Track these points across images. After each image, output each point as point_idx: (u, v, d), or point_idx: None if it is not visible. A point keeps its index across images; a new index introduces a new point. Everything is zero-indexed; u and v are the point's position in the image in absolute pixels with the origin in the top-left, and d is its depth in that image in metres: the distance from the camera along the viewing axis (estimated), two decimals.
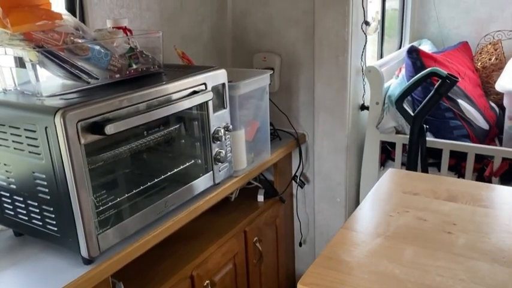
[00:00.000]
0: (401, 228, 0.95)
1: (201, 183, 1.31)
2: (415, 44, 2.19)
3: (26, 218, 1.06)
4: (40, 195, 0.99)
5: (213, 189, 1.37)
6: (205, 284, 1.43)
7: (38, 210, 1.02)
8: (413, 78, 1.69)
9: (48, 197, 0.98)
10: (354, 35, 1.70)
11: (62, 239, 1.00)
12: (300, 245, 2.08)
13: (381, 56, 2.29)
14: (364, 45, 1.80)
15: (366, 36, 1.80)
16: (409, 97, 1.84)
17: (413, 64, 1.87)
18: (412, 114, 1.69)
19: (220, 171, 1.36)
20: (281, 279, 1.95)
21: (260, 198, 1.79)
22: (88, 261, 0.99)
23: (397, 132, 1.85)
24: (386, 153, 1.96)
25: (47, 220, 1.01)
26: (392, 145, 1.89)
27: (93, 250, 0.97)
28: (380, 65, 1.88)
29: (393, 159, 1.89)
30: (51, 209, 0.99)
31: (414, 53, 1.87)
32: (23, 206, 1.05)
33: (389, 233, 0.94)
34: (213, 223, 1.60)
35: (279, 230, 1.88)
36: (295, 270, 2.14)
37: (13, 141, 0.99)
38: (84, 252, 0.97)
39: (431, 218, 0.99)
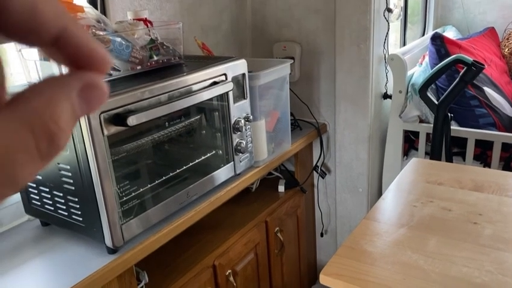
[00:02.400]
0: (426, 218, 0.94)
1: (222, 173, 1.31)
2: (439, 30, 2.13)
3: (52, 209, 1.09)
4: (65, 186, 1.01)
5: (234, 179, 1.37)
6: (227, 274, 1.44)
7: (63, 201, 1.04)
8: (437, 66, 1.65)
9: (73, 188, 0.99)
10: (376, 23, 1.67)
11: (87, 229, 1.02)
12: (322, 235, 2.07)
13: (404, 44, 2.24)
14: (387, 33, 1.77)
15: (389, 23, 1.76)
16: (433, 85, 1.80)
17: (438, 51, 1.83)
18: (436, 102, 1.65)
19: (241, 161, 1.36)
20: (302, 269, 1.95)
21: (281, 188, 1.79)
22: (112, 251, 1.01)
23: (421, 121, 1.82)
24: (410, 142, 1.93)
25: (72, 210, 1.03)
26: (416, 134, 1.85)
27: (117, 240, 0.99)
28: (403, 53, 1.84)
29: (417, 149, 1.86)
30: (76, 199, 1.00)
31: (438, 40, 1.82)
32: (49, 196, 1.08)
33: (413, 224, 0.92)
34: (234, 213, 1.61)
35: (300, 220, 1.87)
36: (317, 261, 2.14)
37: None
38: (108, 242, 0.99)
39: (456, 208, 0.97)
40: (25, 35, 0.19)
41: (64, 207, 1.05)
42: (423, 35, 2.47)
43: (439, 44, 1.82)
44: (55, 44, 0.20)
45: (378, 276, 0.77)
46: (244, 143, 1.35)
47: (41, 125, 0.16)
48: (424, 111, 1.80)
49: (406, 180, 1.13)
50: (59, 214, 1.07)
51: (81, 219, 1.02)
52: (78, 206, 1.01)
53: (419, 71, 1.90)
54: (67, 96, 0.18)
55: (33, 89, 0.17)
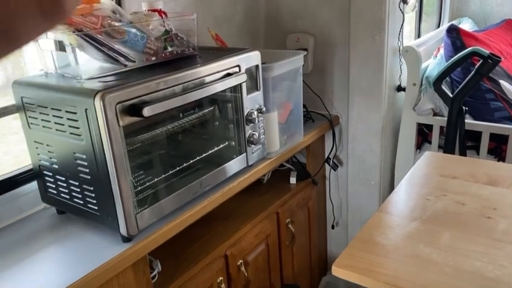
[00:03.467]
0: (439, 212, 0.94)
1: (235, 164, 1.32)
2: (454, 22, 2.10)
3: (68, 197, 1.11)
4: (81, 175, 1.03)
5: (246, 170, 1.38)
6: (238, 264, 1.46)
7: (79, 190, 1.06)
8: (452, 58, 1.63)
9: (89, 177, 1.01)
10: (391, 14, 1.65)
11: (102, 218, 1.04)
12: (333, 227, 2.07)
13: (419, 36, 2.22)
14: (402, 25, 1.75)
15: (404, 14, 1.75)
16: (447, 78, 1.78)
17: (453, 43, 1.80)
18: (451, 95, 1.64)
19: (253, 153, 1.37)
20: (313, 261, 1.96)
21: (292, 180, 1.79)
22: (127, 239, 1.02)
23: (435, 114, 1.80)
24: (423, 135, 1.91)
25: (88, 199, 1.05)
26: (429, 127, 1.84)
27: (131, 228, 1.00)
28: (418, 45, 1.82)
29: (430, 142, 1.84)
30: (92, 188, 1.02)
31: (454, 32, 1.80)
32: (65, 185, 1.10)
33: (426, 217, 0.92)
34: (245, 204, 1.62)
35: (312, 212, 1.88)
36: (327, 253, 2.14)
37: (55, 122, 1.03)
38: (123, 231, 1.00)
39: (470, 202, 0.97)
40: None
41: (80, 196, 1.06)
42: (438, 27, 2.44)
43: (455, 36, 1.80)
44: None
45: (390, 269, 0.77)
46: (256, 134, 1.35)
47: None
48: (438, 104, 1.78)
49: (420, 173, 1.12)
50: (74, 203, 1.09)
51: (96, 208, 1.04)
52: (93, 195, 1.02)
53: (433, 64, 1.88)
54: None
55: None
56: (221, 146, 1.32)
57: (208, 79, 1.14)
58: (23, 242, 1.11)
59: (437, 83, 1.65)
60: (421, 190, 1.03)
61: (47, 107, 1.03)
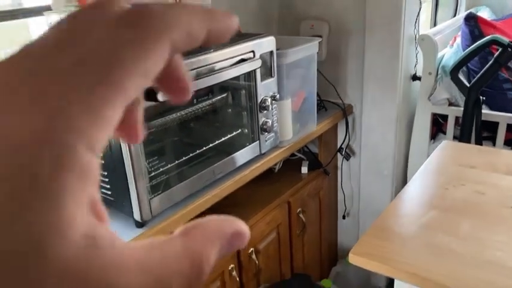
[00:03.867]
0: (458, 201, 0.92)
1: (248, 152, 1.31)
2: (472, 10, 2.06)
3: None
4: None
5: (258, 159, 1.37)
6: (249, 252, 1.45)
7: None
8: (470, 47, 1.60)
9: (103, 162, 1.00)
10: (407, 2, 1.62)
11: (116, 202, 1.03)
12: (344, 217, 2.06)
13: (435, 24, 2.18)
14: (418, 13, 1.72)
15: (420, 2, 1.71)
16: (464, 67, 1.75)
17: (471, 32, 1.77)
18: (468, 85, 1.61)
19: (266, 141, 1.36)
20: (323, 250, 1.95)
21: (304, 170, 1.78)
22: (140, 225, 1.02)
23: (450, 104, 1.77)
24: (438, 126, 1.89)
25: (102, 184, 1.04)
26: (445, 117, 1.81)
27: (145, 214, 1.00)
28: (434, 34, 1.79)
29: (445, 132, 1.82)
30: (106, 173, 1.02)
31: (472, 20, 1.76)
32: None
33: (445, 206, 0.90)
34: (257, 193, 1.61)
35: (323, 202, 1.87)
36: (338, 243, 2.14)
37: None
38: (137, 216, 1.00)
39: (490, 192, 0.95)
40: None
41: None
42: (455, 15, 2.40)
43: (473, 24, 1.76)
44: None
45: (408, 257, 0.76)
46: (270, 122, 1.33)
47: (199, 262, 0.17)
48: (454, 93, 1.75)
49: (437, 162, 1.10)
50: None
51: (110, 193, 1.03)
52: (107, 180, 1.02)
53: (450, 53, 1.85)
54: (220, 240, 0.19)
55: (196, 227, 0.19)
56: (234, 133, 1.31)
57: (222, 65, 1.13)
58: None
59: (454, 72, 1.62)
60: (439, 179, 1.01)
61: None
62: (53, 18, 1.08)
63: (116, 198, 1.03)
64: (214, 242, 0.18)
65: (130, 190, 0.97)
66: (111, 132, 0.16)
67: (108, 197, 1.05)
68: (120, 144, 0.93)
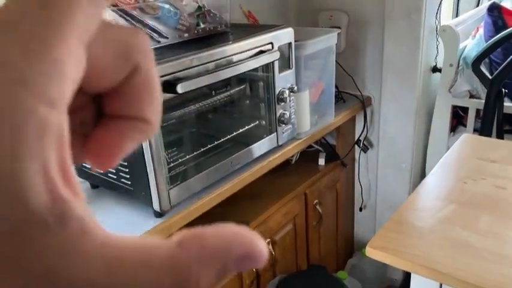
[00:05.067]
0: (477, 195, 0.91)
1: (265, 144, 1.31)
2: (496, 0, 2.01)
3: (102, 172, 1.12)
4: None
5: (276, 150, 1.37)
6: (266, 242, 1.46)
7: None
8: (494, 38, 1.57)
9: None
10: None
11: (136, 193, 1.05)
12: (361, 210, 2.05)
13: (457, 15, 2.13)
14: (440, 3, 1.68)
15: None
16: (486, 59, 1.71)
17: (494, 23, 1.73)
18: (490, 77, 1.58)
19: (283, 133, 1.36)
20: (340, 242, 1.96)
21: (321, 161, 1.77)
22: (159, 215, 1.04)
23: (471, 96, 1.74)
24: (458, 118, 1.86)
25: (122, 174, 1.06)
26: (465, 110, 1.78)
27: (164, 204, 1.01)
28: (456, 24, 1.75)
29: (465, 125, 1.79)
30: (125, 163, 1.03)
31: (496, 11, 1.72)
32: None
33: (464, 200, 0.89)
34: (273, 184, 1.62)
35: (340, 194, 1.86)
36: (354, 235, 2.13)
37: None
38: (156, 206, 1.02)
39: (510, 186, 0.93)
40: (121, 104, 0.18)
41: (114, 170, 1.08)
42: (477, 5, 2.34)
43: (497, 15, 1.72)
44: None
45: (425, 251, 0.76)
46: (287, 114, 1.33)
47: (185, 282, 0.15)
48: (475, 86, 1.72)
49: (456, 156, 1.09)
50: (108, 177, 1.11)
51: (129, 182, 1.05)
52: (127, 170, 1.04)
53: (472, 44, 1.81)
54: (222, 260, 0.16)
55: (198, 235, 0.16)
56: (251, 125, 1.31)
57: (241, 56, 1.13)
58: None
59: (476, 63, 1.59)
60: (458, 173, 1.00)
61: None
62: None
63: (136, 188, 1.05)
64: (212, 262, 0.15)
65: (149, 180, 0.99)
66: (70, 85, 0.14)
67: (128, 187, 1.07)
68: None
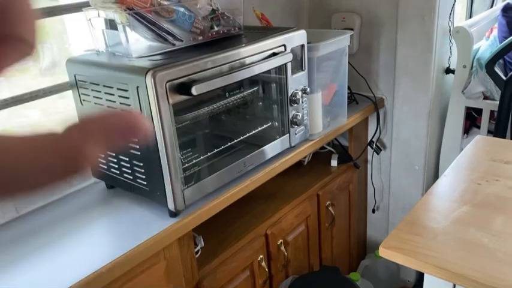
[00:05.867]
0: (491, 197, 0.91)
1: (278, 145, 1.32)
2: (510, 1, 1.99)
3: (118, 172, 1.15)
4: (131, 151, 1.06)
5: (288, 151, 1.38)
6: (278, 243, 1.47)
7: (128, 165, 1.09)
8: (508, 39, 1.56)
9: (139, 153, 1.04)
10: None
11: (151, 193, 1.07)
12: (373, 211, 2.05)
13: (470, 16, 2.12)
14: (453, 4, 1.68)
15: None
16: (500, 60, 1.70)
17: (508, 23, 1.71)
18: (504, 78, 1.57)
19: (296, 134, 1.37)
20: (352, 244, 1.95)
21: (333, 163, 1.78)
22: (174, 214, 1.05)
23: (485, 97, 1.73)
24: (471, 120, 1.85)
25: (137, 174, 1.08)
26: (479, 111, 1.77)
27: (179, 204, 1.03)
28: (469, 25, 1.74)
29: (478, 127, 1.78)
30: (141, 164, 1.05)
31: (510, 11, 1.71)
32: (115, 161, 1.13)
33: (477, 201, 0.89)
34: (286, 185, 1.63)
35: (352, 195, 1.86)
36: (367, 236, 2.13)
37: (106, 99, 1.06)
38: (171, 206, 1.03)
39: None
40: None
41: (129, 171, 1.10)
42: (491, 6, 2.32)
43: (511, 15, 1.71)
44: None
45: (439, 252, 0.76)
46: (300, 115, 1.34)
47: (72, 157, 0.19)
48: (489, 87, 1.71)
49: (470, 157, 1.09)
50: (124, 178, 1.13)
51: (145, 183, 1.07)
52: (143, 171, 1.06)
53: (486, 45, 1.80)
54: (105, 134, 0.20)
55: (81, 120, 0.20)
56: (264, 126, 1.32)
57: (254, 58, 1.14)
58: (73, 214, 1.16)
59: (490, 65, 1.58)
60: (471, 174, 1.00)
61: (99, 84, 1.06)
62: (92, 14, 1.12)
63: (151, 188, 1.06)
64: (95, 136, 0.19)
65: (165, 181, 1.00)
66: None
67: (143, 187, 1.09)
68: (156, 136, 0.96)
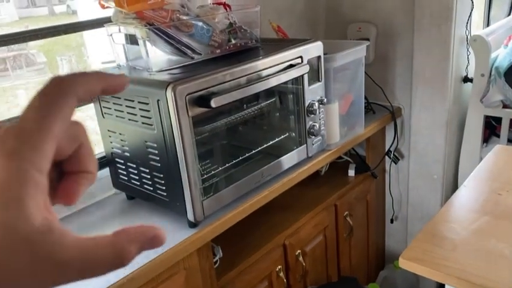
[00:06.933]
0: None
1: (295, 155, 1.33)
2: None
3: (138, 183, 1.17)
4: (151, 162, 1.08)
5: (306, 162, 1.38)
6: (296, 253, 1.47)
7: (149, 176, 1.11)
8: None
9: (159, 165, 1.06)
10: (459, 2, 1.58)
11: (170, 203, 1.09)
12: (392, 221, 2.03)
13: (488, 24, 2.10)
14: (470, 13, 1.67)
15: (472, 2, 1.67)
16: None
17: None
18: None
19: (313, 144, 1.37)
20: (371, 254, 1.94)
21: (351, 173, 1.77)
22: (193, 225, 1.07)
23: (504, 106, 1.71)
24: (491, 129, 1.83)
25: (157, 185, 1.10)
26: (498, 120, 1.75)
27: (198, 214, 1.04)
28: (487, 34, 1.73)
29: (498, 136, 1.76)
30: (161, 175, 1.07)
31: None
32: (136, 172, 1.16)
33: (498, 212, 0.89)
34: (303, 195, 1.63)
35: (370, 205, 1.86)
36: (385, 247, 2.11)
37: (128, 112, 1.08)
38: (190, 216, 1.05)
39: None
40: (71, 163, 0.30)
41: (150, 182, 1.12)
42: (509, 14, 2.30)
43: None
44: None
45: (460, 263, 0.75)
46: (317, 126, 1.35)
47: (120, 252, 0.26)
48: (508, 95, 1.69)
49: (490, 167, 1.08)
50: (144, 189, 1.15)
51: (165, 194, 1.09)
52: (163, 182, 1.08)
53: (504, 53, 1.78)
54: (140, 240, 0.27)
55: (125, 228, 0.27)
56: (282, 137, 1.33)
57: (271, 70, 1.16)
58: (94, 225, 1.18)
59: (508, 73, 1.56)
60: (492, 185, 0.99)
61: (120, 98, 1.09)
62: (113, 29, 1.15)
63: (171, 199, 1.08)
64: (135, 241, 0.27)
65: (184, 192, 1.02)
66: (49, 162, 0.26)
67: (163, 198, 1.10)
68: (176, 148, 0.98)
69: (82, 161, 0.30)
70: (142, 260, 0.98)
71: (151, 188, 1.12)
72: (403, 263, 0.75)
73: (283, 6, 1.76)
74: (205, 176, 1.08)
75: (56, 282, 0.24)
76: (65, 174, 0.30)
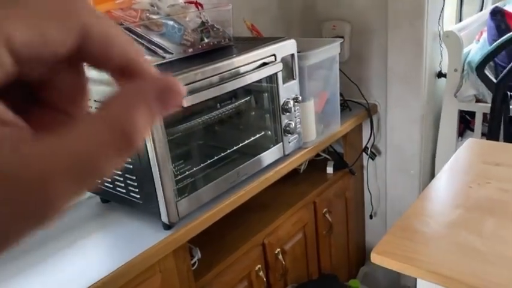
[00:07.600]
0: (482, 199, 0.91)
1: (271, 154, 1.33)
2: (499, 4, 2.01)
3: (111, 186, 1.15)
4: (124, 165, 1.06)
5: (282, 160, 1.38)
6: (276, 252, 1.47)
7: (122, 179, 1.10)
8: (497, 42, 1.57)
9: (131, 166, 1.04)
10: None
11: (144, 206, 1.07)
12: (371, 217, 2.05)
13: (460, 20, 2.14)
14: (442, 9, 1.69)
15: None
16: (491, 63, 1.71)
17: (497, 27, 1.73)
18: (495, 80, 1.58)
19: (289, 142, 1.37)
20: (351, 250, 1.95)
21: (329, 170, 1.78)
22: (168, 227, 1.05)
23: (477, 100, 1.74)
24: (465, 123, 1.85)
25: (130, 188, 1.08)
26: (472, 114, 1.78)
27: (172, 216, 1.03)
28: (459, 29, 1.76)
29: (472, 130, 1.79)
30: (134, 177, 1.05)
31: (498, 14, 1.72)
32: None
33: (469, 205, 0.90)
34: (282, 194, 1.63)
35: (349, 202, 1.86)
36: (365, 243, 2.12)
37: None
38: (164, 218, 1.03)
39: None
40: (96, 63, 0.21)
41: (122, 185, 1.10)
42: (481, 10, 2.34)
43: (499, 18, 1.72)
44: (121, 72, 0.21)
45: (432, 256, 0.76)
46: (293, 124, 1.35)
47: (119, 128, 0.17)
48: (481, 90, 1.72)
49: (462, 160, 1.09)
50: (117, 191, 1.13)
51: (138, 196, 1.07)
52: (135, 184, 1.06)
53: (476, 48, 1.81)
54: (144, 100, 0.18)
55: (115, 96, 0.19)
56: (257, 135, 1.33)
57: (244, 69, 1.15)
58: (68, 229, 1.16)
59: (480, 67, 1.59)
60: (463, 177, 1.00)
61: (89, 99, 1.06)
62: None
63: (144, 202, 1.06)
64: (137, 105, 0.18)
65: (157, 193, 1.00)
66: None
67: (136, 200, 1.09)
68: (147, 149, 0.97)
69: (74, 93, 0.21)
70: (116, 263, 0.97)
71: (125, 191, 1.10)
72: (375, 258, 0.76)
73: (259, 5, 1.76)
74: (180, 176, 1.07)
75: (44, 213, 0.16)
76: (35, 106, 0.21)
